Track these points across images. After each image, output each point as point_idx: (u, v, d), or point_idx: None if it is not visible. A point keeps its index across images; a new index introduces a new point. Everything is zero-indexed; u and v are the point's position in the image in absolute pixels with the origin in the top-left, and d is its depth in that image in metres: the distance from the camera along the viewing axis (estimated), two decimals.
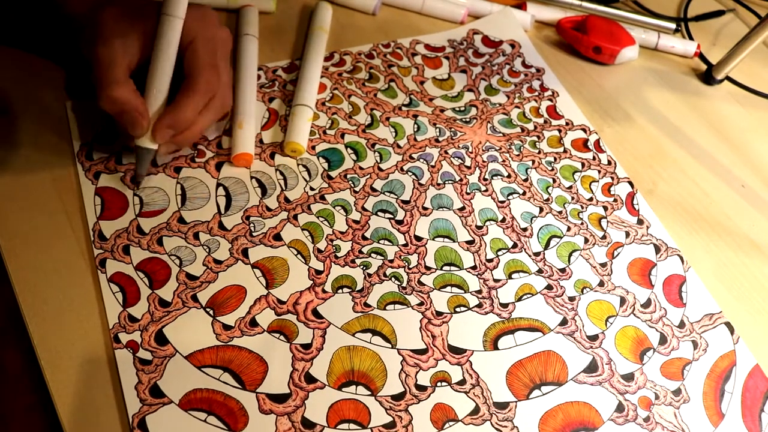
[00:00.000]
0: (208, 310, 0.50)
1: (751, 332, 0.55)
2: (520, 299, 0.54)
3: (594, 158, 0.65)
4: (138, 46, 0.53)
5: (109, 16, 0.53)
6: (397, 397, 0.48)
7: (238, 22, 0.68)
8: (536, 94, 0.69)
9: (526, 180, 0.62)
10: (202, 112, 0.54)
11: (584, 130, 0.67)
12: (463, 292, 0.54)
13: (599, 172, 0.64)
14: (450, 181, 0.60)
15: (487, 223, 0.58)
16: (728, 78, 0.77)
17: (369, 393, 0.48)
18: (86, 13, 0.54)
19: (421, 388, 0.49)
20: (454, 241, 0.57)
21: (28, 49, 0.62)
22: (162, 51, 0.53)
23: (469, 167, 0.62)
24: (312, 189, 0.58)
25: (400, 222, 0.57)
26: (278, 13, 0.72)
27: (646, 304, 0.55)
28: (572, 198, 0.61)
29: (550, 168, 0.63)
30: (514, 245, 0.57)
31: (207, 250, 0.53)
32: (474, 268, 0.55)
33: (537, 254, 0.57)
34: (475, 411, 0.48)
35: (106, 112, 0.52)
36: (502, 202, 0.60)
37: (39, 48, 0.62)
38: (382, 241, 0.56)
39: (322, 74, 0.66)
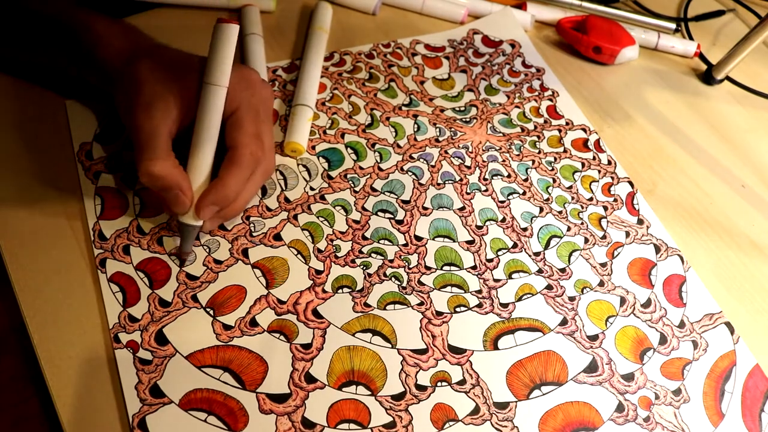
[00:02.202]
0: (208, 310, 0.50)
1: (751, 332, 0.55)
2: (520, 299, 0.54)
3: (594, 158, 0.65)
4: (179, 110, 0.50)
5: (146, 74, 0.50)
6: (398, 397, 0.48)
7: (241, 22, 0.68)
8: (536, 93, 0.69)
9: (526, 180, 0.62)
10: (247, 183, 0.52)
11: (584, 130, 0.67)
12: (463, 292, 0.54)
13: (599, 172, 0.64)
14: (450, 181, 0.60)
15: (487, 222, 0.58)
16: (728, 78, 0.77)
17: (369, 393, 0.48)
18: (120, 66, 0.51)
19: (421, 388, 0.49)
20: (454, 241, 0.57)
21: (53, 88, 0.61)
22: (206, 122, 0.50)
23: (469, 167, 0.62)
24: (312, 189, 0.58)
25: (400, 222, 0.57)
26: (278, 13, 0.72)
27: (646, 304, 0.55)
28: (572, 198, 0.61)
29: (550, 168, 0.63)
30: (515, 245, 0.57)
31: (207, 250, 0.53)
32: (474, 268, 0.55)
33: (537, 254, 0.57)
34: (475, 411, 0.48)
35: (144, 186, 0.50)
36: (502, 202, 0.60)
37: (65, 88, 0.60)
38: (382, 241, 0.56)
39: (322, 74, 0.66)
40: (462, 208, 0.59)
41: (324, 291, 0.52)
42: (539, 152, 0.64)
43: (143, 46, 0.53)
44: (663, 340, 0.53)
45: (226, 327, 0.49)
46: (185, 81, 0.51)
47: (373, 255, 0.55)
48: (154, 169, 0.48)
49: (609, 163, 0.64)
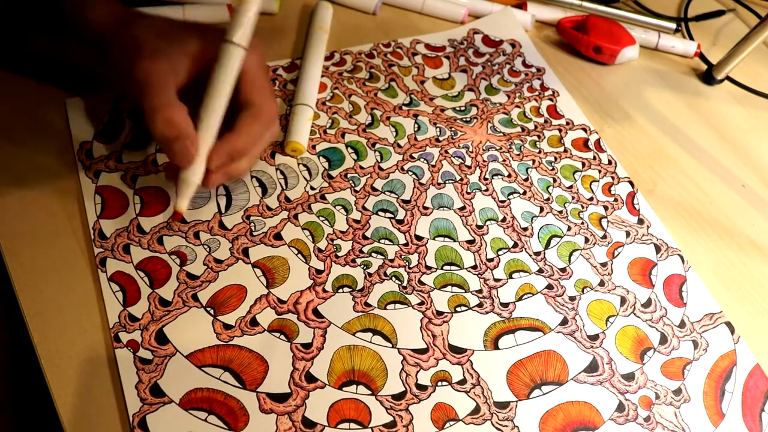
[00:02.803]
0: (208, 309, 0.50)
1: (751, 332, 0.55)
2: (520, 299, 0.54)
3: (594, 158, 0.65)
4: (185, 68, 0.50)
5: (147, 32, 0.49)
6: (398, 397, 0.48)
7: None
8: (537, 93, 0.69)
9: (526, 179, 0.62)
10: (257, 141, 0.52)
11: (584, 130, 0.67)
12: (463, 291, 0.54)
13: (599, 171, 0.64)
14: (450, 181, 0.60)
15: (488, 222, 0.58)
16: (728, 78, 0.77)
17: (369, 392, 0.48)
18: (112, 27, 0.51)
19: (422, 387, 0.48)
20: (454, 241, 0.57)
21: (42, 77, 0.60)
22: (222, 81, 0.49)
23: (469, 167, 0.62)
24: (312, 188, 0.58)
25: (400, 221, 0.57)
26: (279, 13, 0.72)
27: (647, 304, 0.55)
28: (573, 197, 0.61)
29: (550, 167, 0.63)
30: (515, 245, 0.57)
31: (207, 249, 0.53)
32: (474, 267, 0.55)
33: (537, 254, 0.57)
34: (476, 410, 0.48)
35: (154, 137, 0.49)
36: (503, 201, 0.60)
37: (52, 76, 0.60)
38: (382, 241, 0.56)
39: (322, 74, 0.66)
40: (462, 208, 0.59)
41: (324, 290, 0.52)
42: (539, 152, 0.64)
43: (132, 12, 0.53)
44: (663, 339, 0.53)
45: (227, 326, 0.49)
46: (185, 42, 0.50)
47: (373, 254, 0.55)
48: (170, 114, 0.47)
49: (609, 162, 0.64)
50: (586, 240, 0.58)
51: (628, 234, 0.59)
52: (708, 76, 0.76)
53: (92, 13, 0.52)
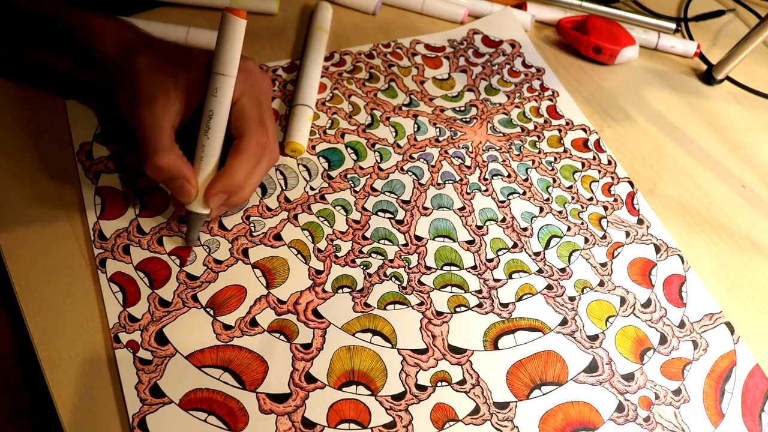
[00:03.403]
0: (208, 309, 0.50)
1: (751, 332, 0.55)
2: (520, 299, 0.54)
3: (594, 158, 0.65)
4: (181, 103, 0.50)
5: (146, 68, 0.50)
6: (398, 397, 0.48)
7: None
8: (536, 93, 0.69)
9: (526, 180, 0.62)
10: (254, 171, 0.52)
11: (584, 130, 0.67)
12: (463, 291, 0.54)
13: (599, 171, 0.64)
14: (450, 181, 0.60)
15: (488, 222, 0.58)
16: (728, 78, 0.77)
17: (369, 393, 0.48)
18: (118, 60, 0.51)
19: (422, 387, 0.49)
20: (454, 241, 0.57)
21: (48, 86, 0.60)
22: (217, 114, 0.50)
23: (469, 167, 0.62)
24: (312, 189, 0.58)
25: (400, 222, 0.57)
26: (278, 13, 0.72)
27: (647, 304, 0.55)
28: (572, 198, 0.61)
29: (550, 168, 0.63)
30: (515, 245, 0.57)
31: (207, 250, 0.53)
32: (474, 267, 0.55)
33: (537, 254, 0.57)
34: (476, 411, 0.48)
35: (151, 177, 0.50)
36: (503, 201, 0.60)
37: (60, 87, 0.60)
38: (382, 241, 0.56)
39: (322, 74, 0.66)
40: (462, 208, 0.59)
41: (324, 291, 0.52)
42: (539, 152, 0.64)
43: (140, 40, 0.53)
44: (663, 340, 0.53)
45: (227, 327, 0.49)
46: (186, 72, 0.50)
47: (373, 255, 0.55)
48: (159, 161, 0.48)
49: (609, 163, 0.64)
50: (586, 240, 0.58)
51: (627, 234, 0.59)
52: (708, 76, 0.76)
53: (102, 45, 0.52)
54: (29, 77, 0.60)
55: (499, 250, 0.57)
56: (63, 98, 0.59)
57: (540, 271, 0.56)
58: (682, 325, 0.54)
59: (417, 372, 0.49)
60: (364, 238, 0.56)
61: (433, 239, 0.56)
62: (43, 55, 0.56)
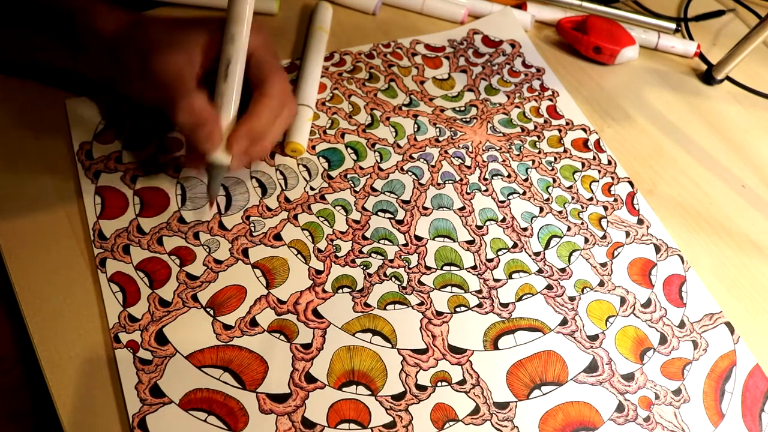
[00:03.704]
0: (208, 309, 0.50)
1: (751, 332, 0.55)
2: (520, 299, 0.54)
3: (594, 158, 0.65)
4: (199, 56, 0.51)
5: (159, 30, 0.51)
6: (398, 397, 0.48)
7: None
8: (536, 93, 0.69)
9: (526, 180, 0.62)
10: (276, 121, 0.52)
11: (584, 130, 0.67)
12: (463, 291, 0.54)
13: (599, 171, 0.64)
14: (450, 181, 0.60)
15: (488, 222, 0.58)
16: (728, 78, 0.77)
17: (369, 393, 0.48)
18: (124, 32, 0.52)
19: (422, 387, 0.49)
20: (454, 241, 0.57)
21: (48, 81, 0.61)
22: (234, 60, 0.51)
23: (469, 167, 0.62)
24: (312, 189, 0.58)
25: (400, 222, 0.57)
26: (278, 13, 0.72)
27: (647, 304, 0.55)
28: (572, 198, 0.61)
29: (550, 168, 0.63)
30: (515, 245, 0.57)
31: (207, 249, 0.53)
32: (474, 267, 0.55)
33: (537, 254, 0.57)
34: (476, 411, 0.48)
35: (179, 126, 0.50)
36: (503, 202, 0.60)
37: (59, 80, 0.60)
38: (382, 241, 0.56)
39: (322, 74, 0.66)
40: (462, 208, 0.59)
41: (324, 291, 0.52)
42: (539, 152, 0.64)
43: (141, 16, 0.54)
44: (663, 340, 0.53)
45: (226, 327, 0.49)
46: (199, 29, 0.51)
47: (373, 255, 0.55)
48: (195, 102, 0.49)
49: (609, 163, 0.64)
50: (586, 240, 0.58)
51: (627, 234, 0.59)
52: (708, 76, 0.76)
53: (102, 22, 0.52)
54: (30, 72, 0.60)
55: (499, 250, 0.57)
56: (63, 97, 0.59)
57: (540, 271, 0.56)
58: (682, 325, 0.54)
59: (417, 372, 0.49)
60: (364, 238, 0.55)
61: (433, 239, 0.56)
62: (42, 42, 0.56)
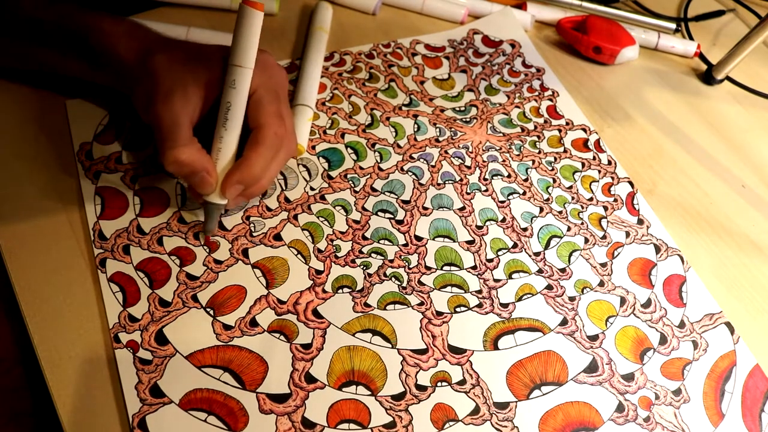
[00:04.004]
0: (208, 310, 0.50)
1: (751, 332, 0.55)
2: (520, 299, 0.54)
3: (594, 158, 0.65)
4: (199, 99, 0.51)
5: (163, 66, 0.50)
6: (398, 397, 0.48)
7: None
8: (536, 93, 0.69)
9: (526, 180, 0.62)
10: (271, 163, 0.52)
11: (584, 130, 0.67)
12: (463, 292, 0.54)
13: (599, 172, 0.64)
14: (450, 181, 0.60)
15: (488, 223, 0.58)
16: (728, 78, 0.77)
17: (369, 393, 0.48)
18: (134, 61, 0.52)
19: (422, 388, 0.49)
20: (454, 241, 0.57)
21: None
22: (235, 105, 0.51)
23: (469, 167, 0.62)
24: (312, 189, 0.58)
25: (400, 222, 0.57)
26: (279, 14, 0.72)
27: (647, 304, 0.55)
28: (572, 198, 0.61)
29: (550, 168, 0.63)
30: (515, 245, 0.57)
31: (207, 250, 0.53)
32: (474, 268, 0.55)
33: (537, 254, 0.57)
34: (476, 411, 0.48)
35: (170, 173, 0.51)
36: (503, 202, 0.60)
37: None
38: (382, 241, 0.56)
39: (322, 74, 0.66)
40: (462, 208, 0.59)
41: (324, 291, 0.52)
42: (539, 152, 0.64)
43: (154, 40, 0.54)
44: (663, 340, 0.53)
45: (226, 327, 0.49)
46: (202, 68, 0.51)
47: (373, 255, 0.55)
48: (180, 156, 0.49)
49: (609, 163, 0.64)
50: (586, 240, 0.58)
51: (627, 234, 0.59)
52: (708, 76, 0.76)
53: (116, 47, 0.53)
54: (37, 78, 0.60)
55: (499, 250, 0.57)
56: (63, 98, 0.59)
57: (540, 271, 0.56)
58: (682, 325, 0.54)
59: (417, 372, 0.49)
60: (364, 238, 0.56)
61: (433, 239, 0.56)
62: (55, 58, 0.56)
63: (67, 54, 0.55)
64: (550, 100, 0.69)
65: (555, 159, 0.64)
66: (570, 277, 0.56)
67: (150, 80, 0.50)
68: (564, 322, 0.53)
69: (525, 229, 0.58)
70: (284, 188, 0.57)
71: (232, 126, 0.51)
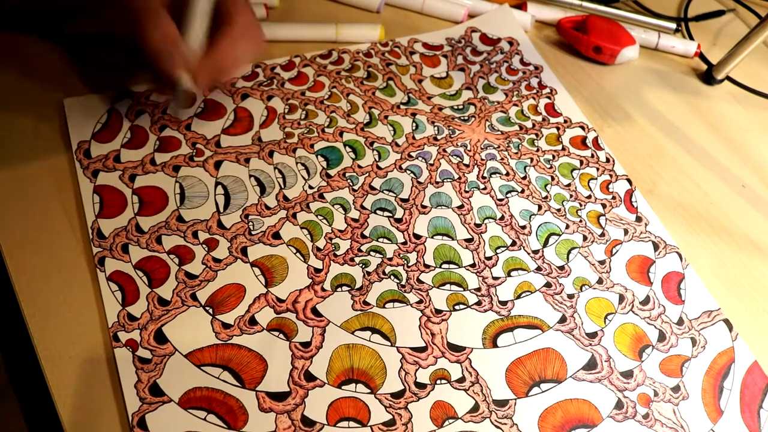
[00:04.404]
0: (207, 308, 0.50)
1: (751, 332, 0.55)
2: (519, 297, 0.54)
3: (592, 155, 0.65)
4: None
5: None
6: (397, 395, 0.48)
7: None
8: (534, 91, 0.69)
9: (524, 178, 0.62)
10: (239, 50, 0.54)
11: (582, 128, 0.67)
12: (462, 289, 0.54)
13: (597, 169, 0.64)
14: (449, 180, 0.60)
15: (486, 221, 0.58)
16: (728, 78, 0.77)
17: (368, 391, 0.48)
18: None
19: (421, 385, 0.49)
20: (453, 239, 0.57)
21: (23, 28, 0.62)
22: None
23: (467, 165, 0.62)
24: (311, 187, 0.58)
25: (399, 220, 0.57)
26: (279, 5, 0.72)
27: (645, 302, 0.55)
28: (571, 195, 0.61)
29: (548, 166, 0.63)
30: (513, 243, 0.57)
31: (206, 248, 0.53)
32: (473, 265, 0.55)
33: (536, 252, 0.57)
34: (475, 408, 0.48)
35: (146, 50, 0.51)
36: (501, 200, 0.60)
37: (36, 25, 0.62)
38: (381, 240, 0.56)
39: (320, 72, 0.66)
40: (461, 207, 0.59)
41: (323, 289, 0.52)
42: (537, 150, 0.64)
43: None
44: (662, 337, 0.53)
45: (226, 325, 0.49)
46: None
47: (372, 253, 0.55)
48: (160, 28, 0.51)
49: (607, 160, 0.64)
50: (585, 238, 0.58)
51: (626, 232, 0.59)
52: (708, 76, 0.76)
53: None
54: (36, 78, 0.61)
55: (498, 248, 0.57)
56: (61, 96, 0.59)
57: (539, 269, 0.56)
58: (680, 322, 0.54)
59: (416, 370, 0.49)
60: (363, 236, 0.56)
61: (432, 237, 0.56)
62: None
63: None
64: (548, 97, 0.69)
65: (553, 157, 0.64)
66: (569, 274, 0.56)
67: None
68: (563, 320, 0.53)
69: (523, 227, 0.58)
70: (283, 187, 0.57)
71: (200, 13, 0.53)
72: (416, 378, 0.49)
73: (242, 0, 0.54)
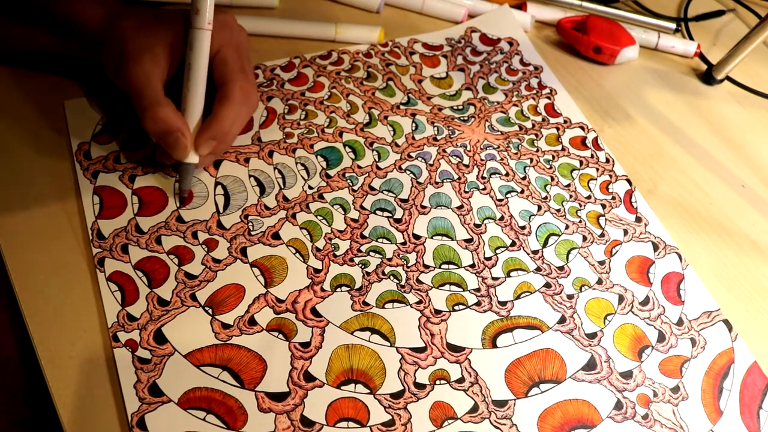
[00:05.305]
0: (206, 308, 0.50)
1: (751, 332, 0.55)
2: (518, 297, 0.54)
3: (592, 156, 0.65)
4: (166, 59, 0.53)
5: (130, 30, 0.52)
6: (396, 396, 0.48)
7: None
8: (534, 92, 0.69)
9: (524, 178, 0.62)
10: (238, 118, 0.55)
11: (582, 128, 0.67)
12: (461, 290, 0.54)
13: (597, 169, 0.64)
14: (448, 180, 0.60)
15: (486, 221, 0.58)
16: (728, 78, 0.77)
17: (368, 391, 0.48)
18: (101, 28, 0.53)
19: (420, 386, 0.49)
20: (452, 240, 0.57)
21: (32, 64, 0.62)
22: (195, 66, 0.53)
23: (467, 166, 0.62)
24: (310, 188, 0.58)
25: (398, 220, 0.57)
26: (278, 6, 0.72)
27: (645, 302, 0.55)
28: (570, 196, 0.61)
29: (548, 166, 0.63)
30: (513, 243, 0.57)
31: (205, 248, 0.53)
32: (472, 266, 0.55)
33: (535, 252, 0.57)
34: (474, 409, 0.48)
35: (148, 133, 0.53)
36: (501, 200, 0.60)
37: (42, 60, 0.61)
38: (380, 240, 0.56)
39: (320, 73, 0.66)
40: (460, 207, 0.59)
41: (323, 290, 0.52)
42: (537, 150, 0.64)
43: (119, 6, 0.55)
44: (661, 337, 0.53)
45: (225, 326, 0.49)
46: (167, 30, 0.53)
47: (371, 254, 0.55)
48: (158, 113, 0.51)
49: (607, 161, 0.64)
50: (584, 238, 0.58)
51: (626, 232, 0.59)
52: (708, 76, 0.76)
53: (83, 15, 0.54)
54: (36, 78, 0.61)
55: (498, 248, 0.57)
56: (61, 98, 0.60)
57: (538, 269, 0.56)
58: (680, 322, 0.54)
59: (415, 370, 0.49)
60: (363, 236, 0.56)
61: (432, 238, 0.56)
62: (23, 33, 0.58)
63: (34, 26, 0.56)
64: (548, 98, 0.69)
65: (553, 157, 0.64)
66: (568, 275, 0.56)
67: (119, 44, 0.52)
68: (562, 320, 0.53)
69: (523, 228, 0.58)
70: (282, 187, 0.57)
71: (195, 87, 0.53)
72: (415, 378, 0.49)
73: (238, 66, 0.54)
